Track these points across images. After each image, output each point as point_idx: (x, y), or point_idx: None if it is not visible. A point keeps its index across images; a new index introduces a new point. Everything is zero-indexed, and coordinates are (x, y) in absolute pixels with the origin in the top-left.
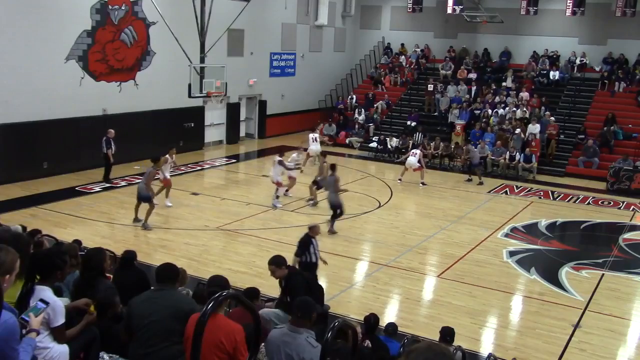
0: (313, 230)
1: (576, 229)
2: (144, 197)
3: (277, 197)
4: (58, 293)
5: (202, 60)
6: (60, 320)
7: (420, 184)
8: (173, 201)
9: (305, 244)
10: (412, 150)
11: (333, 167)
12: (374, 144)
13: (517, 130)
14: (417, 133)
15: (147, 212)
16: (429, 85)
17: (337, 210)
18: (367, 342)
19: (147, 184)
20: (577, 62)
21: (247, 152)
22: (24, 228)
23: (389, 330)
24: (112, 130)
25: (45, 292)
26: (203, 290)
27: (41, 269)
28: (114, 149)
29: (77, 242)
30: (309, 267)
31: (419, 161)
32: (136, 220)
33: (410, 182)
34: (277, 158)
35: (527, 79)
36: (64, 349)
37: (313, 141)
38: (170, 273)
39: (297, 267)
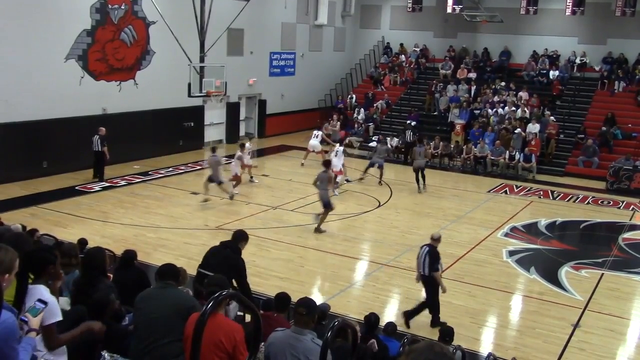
0: (438, 241)
1: (576, 229)
2: (325, 203)
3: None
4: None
5: (201, 60)
6: (53, 318)
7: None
8: (174, 201)
9: (438, 256)
10: (314, 132)
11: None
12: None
13: (517, 130)
14: (408, 131)
15: (322, 217)
16: (433, 85)
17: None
18: (373, 342)
19: (326, 188)
20: (577, 61)
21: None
22: (24, 227)
23: (388, 329)
24: (103, 128)
25: (39, 290)
26: (199, 287)
27: (32, 265)
28: (98, 146)
29: (83, 241)
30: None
31: (321, 142)
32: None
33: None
34: (239, 153)
35: (557, 80)
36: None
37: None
38: (172, 272)
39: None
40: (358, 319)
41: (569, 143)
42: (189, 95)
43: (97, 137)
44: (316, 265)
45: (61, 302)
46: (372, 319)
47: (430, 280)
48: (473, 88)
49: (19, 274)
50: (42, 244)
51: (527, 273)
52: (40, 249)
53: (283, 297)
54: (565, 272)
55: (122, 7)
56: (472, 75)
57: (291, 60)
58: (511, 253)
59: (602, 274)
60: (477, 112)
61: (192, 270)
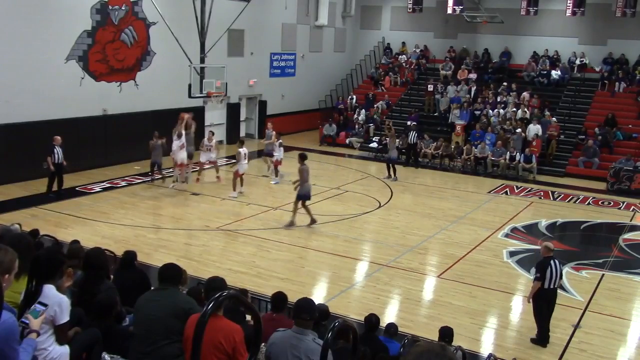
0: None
1: (576, 229)
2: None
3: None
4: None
5: (202, 61)
6: (66, 318)
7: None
8: (174, 202)
9: None
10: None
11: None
12: (374, 144)
13: (518, 130)
14: (412, 132)
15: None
16: (428, 86)
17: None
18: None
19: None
20: (577, 62)
21: (247, 152)
22: (22, 227)
23: (390, 331)
24: (59, 137)
25: (52, 290)
26: (198, 290)
27: (47, 267)
28: (60, 157)
29: (75, 242)
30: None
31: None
32: None
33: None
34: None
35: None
36: (64, 350)
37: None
38: (173, 273)
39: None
40: (358, 319)
41: (569, 144)
42: (190, 96)
43: (57, 147)
44: (316, 266)
45: None
46: (372, 320)
47: (556, 292)
48: (473, 89)
49: (34, 274)
50: (43, 245)
51: (527, 274)
52: (52, 251)
53: (280, 298)
54: (565, 273)
55: (123, 8)
56: (473, 76)
57: (291, 61)
58: (512, 254)
59: (603, 274)
60: (477, 112)
61: (192, 271)
